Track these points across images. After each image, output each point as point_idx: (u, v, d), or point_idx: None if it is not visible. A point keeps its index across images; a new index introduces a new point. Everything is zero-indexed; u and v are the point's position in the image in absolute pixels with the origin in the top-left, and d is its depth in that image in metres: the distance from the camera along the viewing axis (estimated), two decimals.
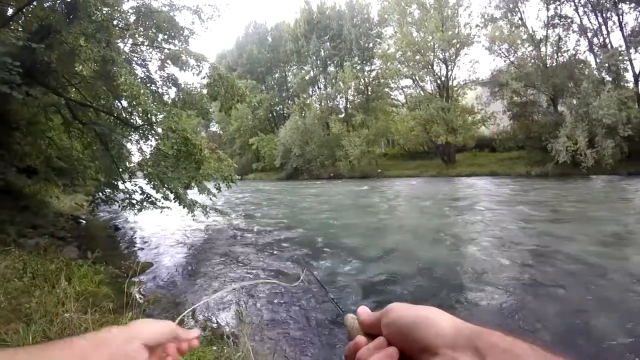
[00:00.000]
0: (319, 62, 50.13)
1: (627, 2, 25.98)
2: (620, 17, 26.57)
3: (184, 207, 9.68)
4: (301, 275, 0.99)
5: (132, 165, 11.66)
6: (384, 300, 5.02)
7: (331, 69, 49.00)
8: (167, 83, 11.08)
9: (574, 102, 26.26)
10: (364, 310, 0.60)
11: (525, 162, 28.98)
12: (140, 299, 5.29)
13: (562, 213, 10.80)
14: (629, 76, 26.44)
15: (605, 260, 6.12)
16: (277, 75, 57.83)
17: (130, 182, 10.70)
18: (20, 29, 8.87)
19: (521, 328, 4.05)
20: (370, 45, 45.84)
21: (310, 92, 53.40)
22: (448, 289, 5.34)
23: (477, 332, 0.45)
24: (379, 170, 37.21)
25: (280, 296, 5.30)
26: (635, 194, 14.82)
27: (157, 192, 9.71)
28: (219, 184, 10.88)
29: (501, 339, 0.43)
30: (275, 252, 8.02)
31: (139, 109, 8.87)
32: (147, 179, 9.69)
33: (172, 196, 9.71)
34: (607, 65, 25.67)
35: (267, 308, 4.96)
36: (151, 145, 10.77)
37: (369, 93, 45.36)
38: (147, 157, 10.55)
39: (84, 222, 12.62)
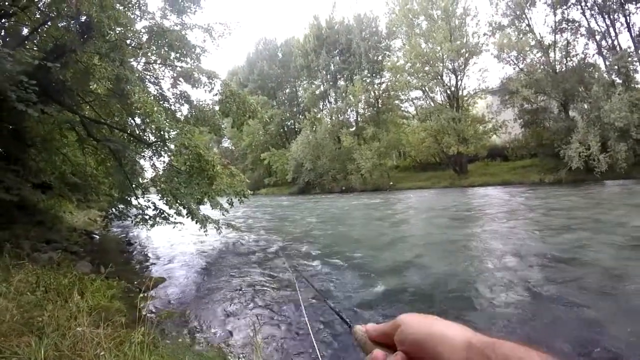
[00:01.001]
0: (328, 76, 50.39)
1: (634, 3, 25.79)
2: (628, 18, 26.39)
3: (196, 223, 9.69)
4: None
5: (145, 181, 11.78)
6: (396, 312, 4.94)
7: (341, 82, 49.20)
8: (180, 100, 11.25)
9: (585, 106, 26.04)
10: (372, 326, 0.62)
11: (538, 170, 28.63)
12: (153, 314, 5.28)
13: (577, 220, 10.57)
14: (639, 77, 26.16)
15: (623, 268, 5.96)
16: (287, 90, 58.35)
17: (144, 197, 10.80)
18: (35, 48, 9.11)
19: (536, 339, 3.95)
20: (380, 58, 46.02)
21: (321, 107, 53.66)
22: (462, 301, 5.24)
23: (490, 344, 0.45)
24: (391, 183, 37.03)
25: (292, 311, 5.25)
26: None
27: (170, 207, 9.75)
28: (231, 200, 10.91)
29: (513, 349, 0.43)
30: (287, 266, 7.96)
31: (152, 126, 9.01)
32: (160, 195, 9.74)
33: (184, 212, 9.72)
34: (616, 67, 25.44)
35: (278, 324, 4.90)
36: (164, 162, 10.88)
37: (380, 106, 45.35)
38: (160, 173, 10.63)
39: (97, 237, 12.74)
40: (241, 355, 4.10)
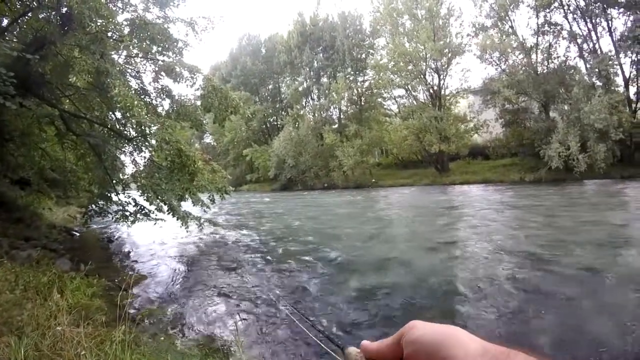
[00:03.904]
0: (312, 73, 50.23)
1: (616, 8, 26.44)
2: (610, 22, 27.12)
3: (177, 219, 9.59)
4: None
5: (125, 176, 11.58)
6: (380, 315, 4.96)
7: (324, 80, 49.14)
8: (161, 94, 11.04)
9: (566, 107, 26.63)
10: (368, 343, 0.59)
11: (518, 169, 29.24)
12: (134, 312, 5.21)
13: (557, 218, 10.83)
14: (619, 80, 26.99)
15: (600, 264, 6.13)
16: (270, 86, 58.03)
17: (124, 193, 10.63)
18: (14, 40, 8.87)
19: (519, 335, 4.03)
20: (363, 56, 46.11)
21: (304, 103, 53.51)
22: (445, 300, 5.30)
23: (503, 352, 0.45)
24: (373, 180, 37.22)
25: (276, 312, 5.24)
26: (628, 198, 14.93)
27: (151, 204, 9.62)
28: (212, 196, 10.81)
29: (527, 359, 0.44)
30: (268, 264, 7.96)
31: (133, 120, 8.83)
32: (140, 191, 9.60)
33: (165, 208, 9.61)
34: (597, 70, 26.01)
35: (262, 323, 4.89)
36: (145, 157, 10.71)
37: (362, 103, 45.53)
38: (141, 168, 10.49)
39: (77, 234, 12.45)
40: (224, 353, 4.08)
